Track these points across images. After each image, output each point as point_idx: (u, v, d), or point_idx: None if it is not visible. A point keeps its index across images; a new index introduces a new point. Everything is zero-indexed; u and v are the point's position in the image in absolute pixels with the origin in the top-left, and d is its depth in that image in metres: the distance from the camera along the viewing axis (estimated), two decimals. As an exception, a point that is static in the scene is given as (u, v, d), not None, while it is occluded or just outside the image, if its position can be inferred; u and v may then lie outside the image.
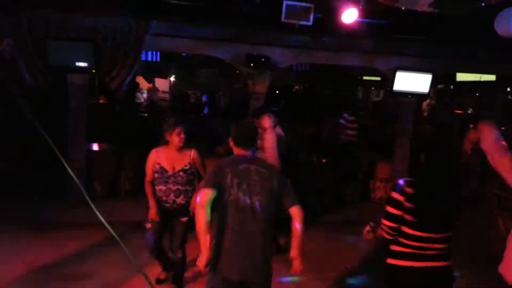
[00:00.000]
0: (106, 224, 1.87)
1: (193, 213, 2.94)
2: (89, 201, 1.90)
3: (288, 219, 2.41)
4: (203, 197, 2.25)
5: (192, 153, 3.50)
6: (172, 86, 14.65)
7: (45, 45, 5.17)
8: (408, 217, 2.26)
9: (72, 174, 2.02)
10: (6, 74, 5.19)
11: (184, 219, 3.48)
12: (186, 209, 3.47)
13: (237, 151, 2.52)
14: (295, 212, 2.40)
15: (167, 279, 3.79)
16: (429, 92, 6.61)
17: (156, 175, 3.44)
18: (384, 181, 6.70)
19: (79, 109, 5.71)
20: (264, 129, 4.27)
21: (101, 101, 9.49)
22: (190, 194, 3.49)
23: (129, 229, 4.34)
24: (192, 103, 13.70)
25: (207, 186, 2.32)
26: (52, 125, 3.44)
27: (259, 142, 4.31)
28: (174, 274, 3.70)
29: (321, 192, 6.26)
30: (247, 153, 2.50)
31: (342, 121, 7.70)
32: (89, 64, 5.36)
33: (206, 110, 13.15)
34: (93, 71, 5.49)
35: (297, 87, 14.98)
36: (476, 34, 5.55)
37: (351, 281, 4.28)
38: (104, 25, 5.44)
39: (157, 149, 3.49)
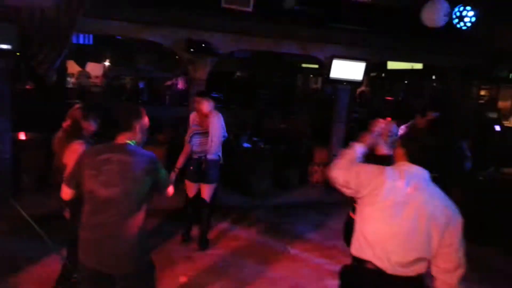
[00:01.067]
0: (22, 213, 1.77)
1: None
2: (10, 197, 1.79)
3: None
4: (64, 196, 2.45)
5: None
6: (107, 71, 13.96)
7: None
8: None
9: None
10: None
11: None
12: None
13: (117, 137, 2.42)
14: (168, 191, 2.53)
15: None
16: (363, 80, 6.93)
17: None
18: (321, 164, 6.97)
19: (2, 95, 5.26)
20: (205, 114, 4.27)
21: (27, 87, 8.83)
22: None
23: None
24: (128, 89, 13.20)
25: (66, 184, 2.44)
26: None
27: (199, 127, 4.32)
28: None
29: (262, 177, 6.38)
30: (122, 138, 2.39)
31: None
32: (12, 47, 4.92)
33: (145, 97, 12.73)
34: (17, 54, 5.05)
35: (238, 74, 14.97)
36: (406, 24, 5.90)
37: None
38: (30, 3, 5.01)
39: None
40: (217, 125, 4.24)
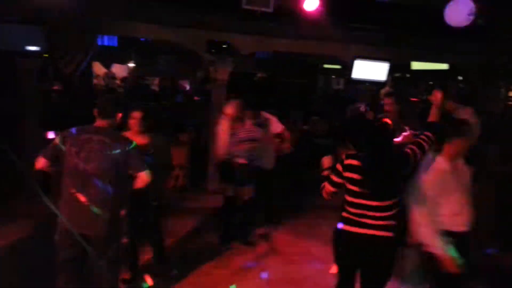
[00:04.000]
0: (58, 213, 1.82)
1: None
2: (41, 194, 1.87)
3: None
4: (38, 165, 2.76)
5: (159, 139, 3.60)
6: (131, 72, 14.22)
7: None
8: (348, 185, 2.64)
9: (20, 166, 2.00)
10: None
11: (154, 202, 3.63)
12: (155, 193, 3.56)
13: (97, 121, 2.83)
14: (140, 176, 2.81)
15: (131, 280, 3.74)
16: (386, 80, 6.82)
17: None
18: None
19: (31, 96, 5.44)
20: (226, 116, 4.30)
21: (55, 88, 9.07)
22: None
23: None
24: (152, 90, 13.38)
25: (43, 156, 2.76)
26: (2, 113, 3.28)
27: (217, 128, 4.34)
28: (155, 257, 3.82)
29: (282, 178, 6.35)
30: (103, 123, 2.80)
31: None
32: (41, 48, 5.08)
33: (179, 99, 12.77)
34: (45, 55, 5.22)
35: (259, 75, 14.96)
36: (430, 24, 5.78)
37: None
38: (58, 7, 5.16)
39: (127, 132, 3.52)
40: (221, 130, 4.27)
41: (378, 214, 2.58)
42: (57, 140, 2.77)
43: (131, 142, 2.85)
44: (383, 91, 11.05)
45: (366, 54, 6.62)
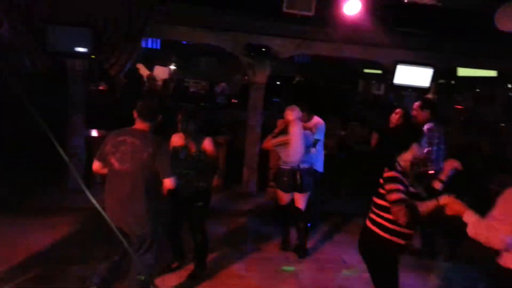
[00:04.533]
0: (100, 210, 1.89)
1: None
2: (84, 187, 1.93)
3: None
4: (94, 167, 2.99)
5: (206, 140, 3.63)
6: (172, 74, 14.57)
7: (44, 30, 5.13)
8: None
9: (67, 160, 2.06)
10: (2, 59, 5.19)
11: (199, 203, 3.66)
12: (201, 194, 3.65)
13: (136, 123, 2.99)
14: (165, 182, 2.90)
15: (178, 267, 3.90)
16: (429, 87, 6.59)
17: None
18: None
19: (78, 95, 5.70)
20: (289, 122, 4.14)
21: (101, 88, 9.45)
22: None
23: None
24: (193, 92, 13.65)
25: (97, 158, 2.97)
26: (51, 111, 3.46)
27: (286, 137, 4.20)
28: (194, 256, 3.85)
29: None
30: (141, 125, 2.95)
31: None
32: (88, 50, 5.32)
33: (222, 100, 12.97)
34: (92, 56, 5.46)
35: (297, 79, 14.91)
36: (479, 29, 5.53)
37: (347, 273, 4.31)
38: (105, 10, 5.40)
39: (175, 134, 3.68)
40: (296, 134, 4.08)
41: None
42: (104, 141, 3.00)
43: (161, 145, 2.94)
44: (425, 97, 10.72)
45: (409, 59, 6.44)
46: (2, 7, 5.03)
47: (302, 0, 4.96)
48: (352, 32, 6.19)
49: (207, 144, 3.61)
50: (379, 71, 13.21)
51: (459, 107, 12.71)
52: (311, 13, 5.06)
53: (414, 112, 4.70)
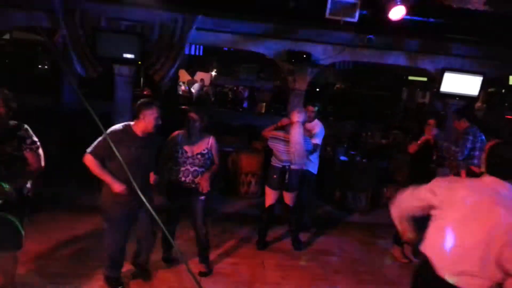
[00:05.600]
0: (152, 212, 1.95)
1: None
2: (137, 189, 2.00)
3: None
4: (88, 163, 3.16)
5: (211, 139, 3.75)
6: (213, 80, 14.86)
7: (95, 37, 5.40)
8: None
9: (121, 159, 2.16)
10: (62, 64, 5.51)
11: (202, 197, 3.74)
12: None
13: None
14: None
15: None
16: (478, 95, 6.30)
17: (176, 155, 3.72)
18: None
19: (124, 99, 5.92)
20: (291, 123, 4.25)
21: (145, 92, 9.80)
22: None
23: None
24: (231, 97, 13.85)
25: (94, 155, 3.08)
26: (97, 114, 3.60)
27: (284, 134, 4.32)
28: (200, 252, 3.94)
29: (359, 192, 6.15)
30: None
31: None
32: (135, 56, 5.54)
33: (245, 104, 13.20)
34: (139, 63, 5.67)
35: (338, 86, 14.73)
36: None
37: None
38: (151, 18, 5.61)
39: (179, 132, 3.78)
40: (296, 136, 4.18)
41: None
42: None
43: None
44: (476, 106, 10.26)
45: (457, 66, 6.21)
46: (62, 14, 5.33)
47: (346, 7, 4.92)
48: (396, 39, 6.05)
49: (212, 142, 3.75)
50: (424, 79, 12.79)
51: (510, 117, 12.03)
52: (354, 20, 5.00)
53: (454, 124, 4.59)
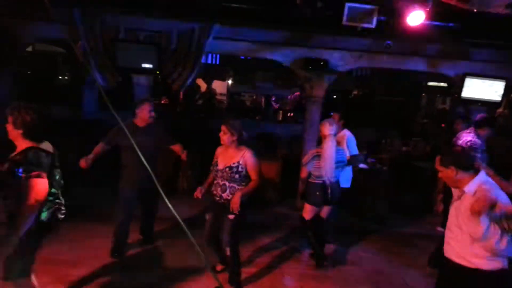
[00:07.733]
0: (178, 219, 1.94)
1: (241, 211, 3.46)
2: (164, 197, 2.00)
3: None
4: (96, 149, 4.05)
5: (245, 153, 3.53)
6: (230, 88, 14.91)
7: (114, 47, 5.49)
8: None
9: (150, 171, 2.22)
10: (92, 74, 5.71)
11: (231, 216, 3.50)
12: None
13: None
14: (175, 147, 4.28)
15: (223, 271, 3.92)
16: (501, 101, 6.13)
17: (212, 168, 3.67)
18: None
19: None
20: (324, 137, 4.15)
21: (163, 102, 9.89)
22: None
23: (188, 224, 4.44)
24: (248, 106, 13.86)
25: (104, 141, 4.08)
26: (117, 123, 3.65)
27: (317, 150, 4.23)
28: (228, 273, 3.75)
29: (379, 200, 6.04)
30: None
31: None
32: (153, 66, 5.61)
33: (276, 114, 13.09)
34: (157, 72, 5.73)
35: (355, 92, 14.60)
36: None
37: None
38: (168, 28, 5.67)
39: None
40: (328, 150, 4.08)
41: None
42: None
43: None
44: (496, 112, 10.01)
45: (478, 71, 6.06)
46: (82, 25, 5.44)
47: (363, 13, 4.87)
48: (415, 44, 5.96)
49: (246, 156, 3.52)
50: (444, 84, 12.56)
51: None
52: (372, 26, 4.94)
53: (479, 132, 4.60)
